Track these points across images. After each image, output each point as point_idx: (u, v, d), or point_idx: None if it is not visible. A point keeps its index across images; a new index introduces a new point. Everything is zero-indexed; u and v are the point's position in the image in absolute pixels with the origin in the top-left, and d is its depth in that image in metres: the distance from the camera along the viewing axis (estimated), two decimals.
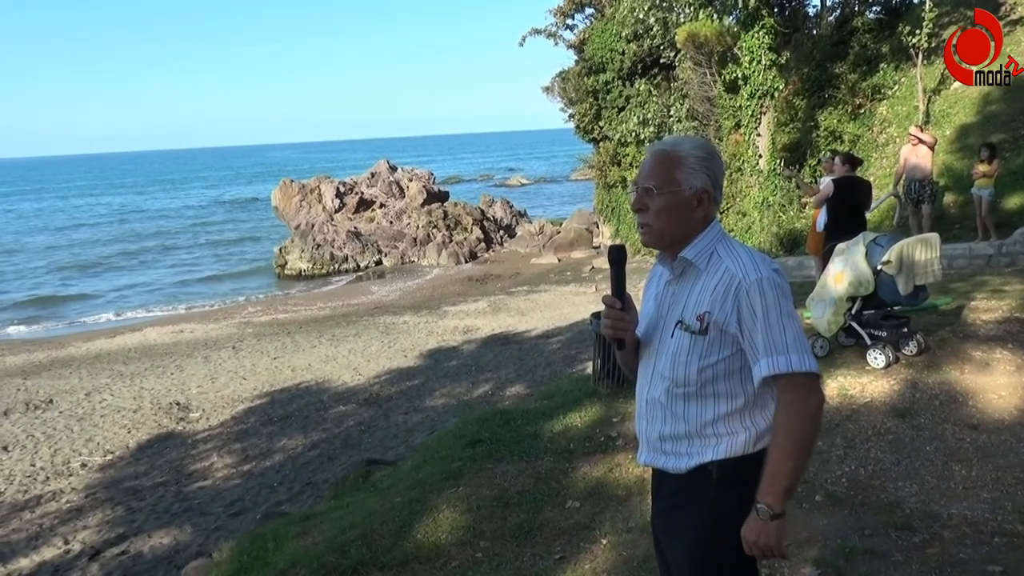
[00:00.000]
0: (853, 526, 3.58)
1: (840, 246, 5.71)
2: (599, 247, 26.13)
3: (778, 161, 15.33)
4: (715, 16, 15.86)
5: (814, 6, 19.33)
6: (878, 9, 17.55)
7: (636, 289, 2.13)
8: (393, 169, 35.93)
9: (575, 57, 24.19)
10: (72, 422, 10.50)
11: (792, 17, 18.21)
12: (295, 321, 18.52)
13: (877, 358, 5.26)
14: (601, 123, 23.03)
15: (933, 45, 14.13)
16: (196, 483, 8.15)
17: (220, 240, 39.66)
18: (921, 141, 9.78)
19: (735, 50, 15.72)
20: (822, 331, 5.61)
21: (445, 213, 30.69)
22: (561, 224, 30.26)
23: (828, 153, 10.58)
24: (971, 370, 5.09)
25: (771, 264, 1.84)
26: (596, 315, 6.18)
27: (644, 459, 1.99)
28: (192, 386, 12.09)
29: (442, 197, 33.72)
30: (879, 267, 5.31)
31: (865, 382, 5.11)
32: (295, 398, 11.02)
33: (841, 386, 5.09)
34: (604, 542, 3.72)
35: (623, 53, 21.30)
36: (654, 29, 19.34)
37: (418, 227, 29.88)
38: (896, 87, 15.83)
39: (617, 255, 1.94)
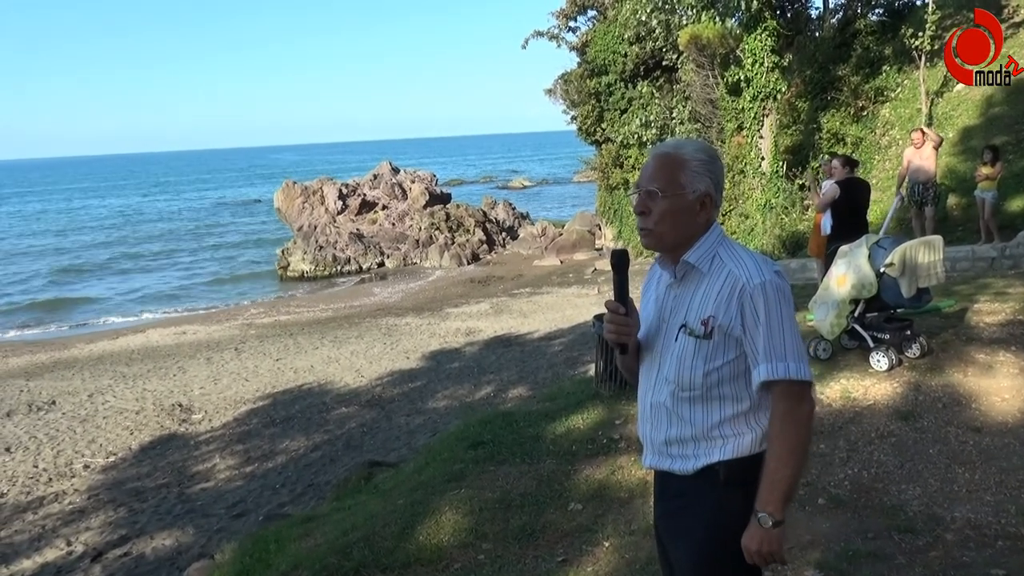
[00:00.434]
0: (856, 529, 3.58)
1: (843, 248, 5.70)
2: (601, 249, 26.13)
3: (780, 163, 15.33)
4: (717, 18, 15.86)
5: (817, 8, 19.35)
6: (881, 11, 17.54)
7: (637, 292, 2.12)
8: (396, 171, 35.97)
9: (577, 59, 24.20)
10: (75, 423, 10.51)
11: (795, 19, 18.22)
12: (297, 323, 18.54)
13: (880, 361, 5.26)
14: (603, 125, 23.04)
15: (936, 47, 14.11)
16: (198, 484, 8.16)
17: (222, 242, 39.68)
18: (926, 137, 9.79)
19: (737, 52, 15.72)
20: (825, 333, 5.60)
21: (447, 215, 30.70)
22: (563, 226, 30.25)
23: (826, 157, 10.60)
24: (974, 373, 5.08)
25: (773, 266, 1.84)
26: (599, 317, 6.18)
27: (649, 462, 1.99)
28: (194, 387, 12.10)
29: (444, 199, 33.74)
30: (882, 269, 5.31)
31: (868, 385, 5.10)
32: (297, 400, 11.03)
33: (844, 389, 5.09)
34: (606, 544, 3.72)
35: (625, 55, 21.32)
36: (656, 31, 19.36)
37: (420, 229, 29.90)
38: (899, 89, 15.82)
39: (620, 260, 1.94)
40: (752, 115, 15.38)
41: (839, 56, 16.99)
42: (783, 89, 15.39)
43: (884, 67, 16.27)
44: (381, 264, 28.36)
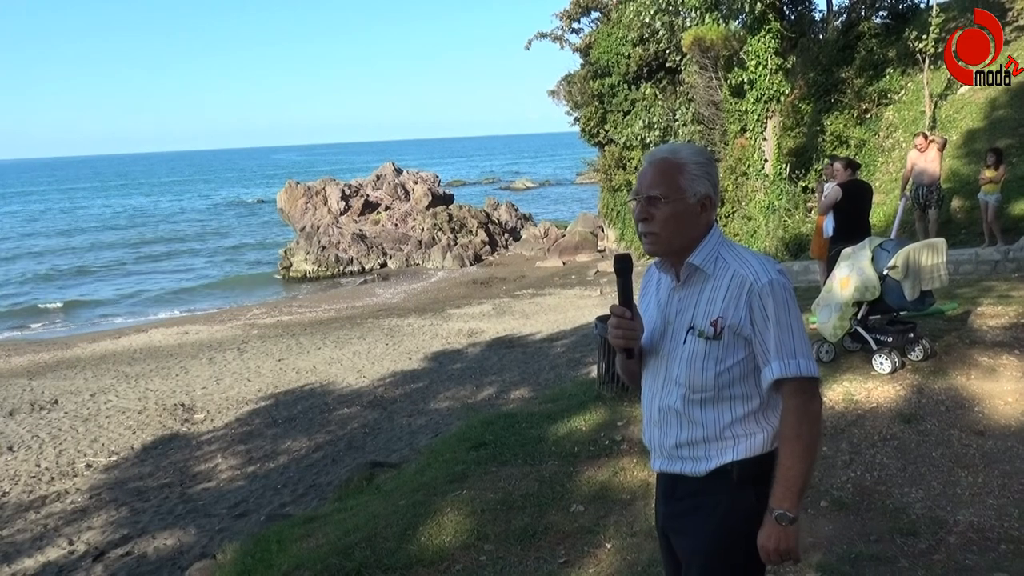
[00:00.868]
0: (859, 532, 3.57)
1: (846, 251, 5.70)
2: (604, 250, 26.14)
3: (784, 166, 15.32)
4: (721, 20, 15.87)
5: (820, 11, 19.38)
6: (884, 14, 17.54)
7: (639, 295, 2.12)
8: (398, 172, 36.02)
9: (581, 61, 24.22)
10: (77, 423, 10.53)
11: (798, 21, 18.22)
12: (300, 323, 18.56)
13: (883, 363, 5.25)
14: (606, 127, 23.05)
15: (939, 50, 14.11)
16: (200, 484, 8.16)
17: (225, 242, 39.75)
18: (930, 141, 9.78)
19: (741, 54, 15.72)
20: (828, 336, 5.60)
21: (450, 216, 30.73)
22: (566, 227, 30.28)
23: (827, 160, 10.60)
24: (977, 376, 5.07)
25: (776, 265, 1.85)
26: (601, 319, 6.18)
27: (659, 466, 1.98)
28: (197, 387, 12.11)
29: (447, 200, 33.78)
30: (885, 272, 5.30)
31: (871, 387, 5.10)
32: (299, 400, 11.04)
33: (847, 391, 5.08)
34: (608, 546, 3.71)
35: (629, 57, 21.32)
36: (660, 33, 19.35)
37: (423, 230, 29.93)
38: (903, 92, 15.81)
39: (623, 264, 1.94)
40: (755, 117, 15.37)
41: (843, 58, 16.99)
42: (786, 91, 15.38)
43: (888, 70, 16.26)
44: (384, 265, 28.39)
